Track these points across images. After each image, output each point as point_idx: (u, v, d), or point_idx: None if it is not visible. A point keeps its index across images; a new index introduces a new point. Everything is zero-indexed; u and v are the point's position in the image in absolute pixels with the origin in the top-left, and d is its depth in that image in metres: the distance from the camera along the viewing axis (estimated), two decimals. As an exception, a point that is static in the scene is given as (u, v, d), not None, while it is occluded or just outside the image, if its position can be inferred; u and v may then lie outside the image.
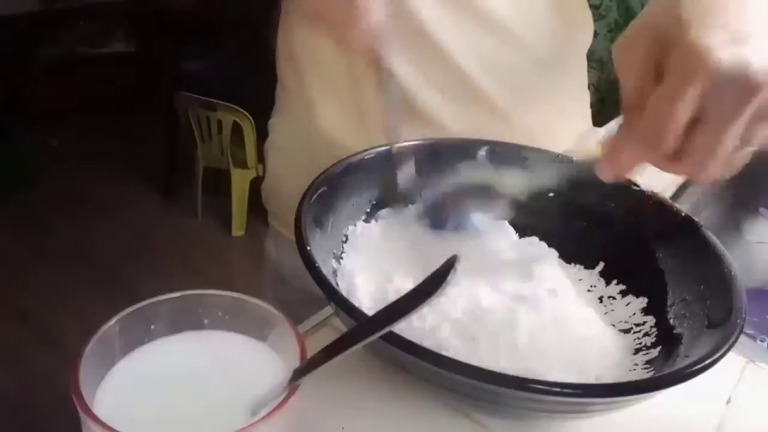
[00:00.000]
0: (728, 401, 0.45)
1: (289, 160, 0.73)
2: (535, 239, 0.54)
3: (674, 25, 0.36)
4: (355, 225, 0.51)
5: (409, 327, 0.41)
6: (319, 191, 0.46)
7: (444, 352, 0.34)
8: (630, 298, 0.49)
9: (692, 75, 0.34)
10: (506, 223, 0.54)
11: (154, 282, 2.15)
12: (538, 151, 0.56)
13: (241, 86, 2.27)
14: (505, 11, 0.61)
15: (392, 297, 0.43)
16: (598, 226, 0.53)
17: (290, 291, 0.69)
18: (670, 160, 0.37)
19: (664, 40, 0.37)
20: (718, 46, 0.34)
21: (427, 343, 0.37)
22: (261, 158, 0.96)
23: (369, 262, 0.48)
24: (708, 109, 0.35)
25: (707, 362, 0.34)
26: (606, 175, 0.41)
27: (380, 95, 0.63)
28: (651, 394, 0.34)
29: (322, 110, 0.66)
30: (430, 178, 0.55)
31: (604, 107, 2.30)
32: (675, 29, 0.36)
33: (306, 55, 0.67)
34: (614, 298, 0.49)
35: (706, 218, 0.52)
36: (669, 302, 0.45)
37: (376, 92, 0.63)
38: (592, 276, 0.51)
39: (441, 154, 0.55)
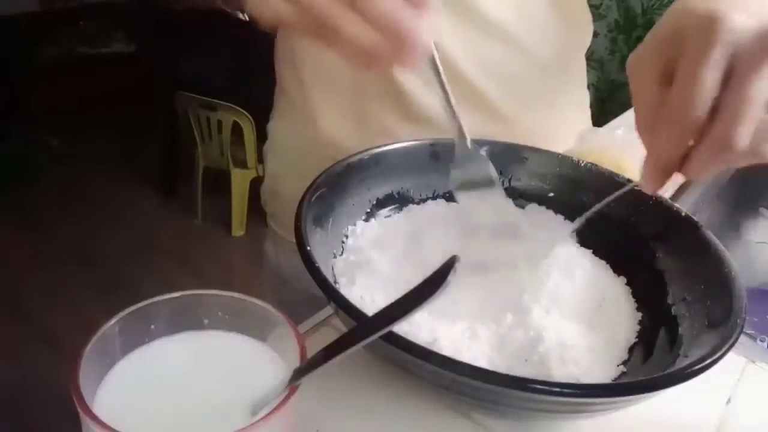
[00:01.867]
0: (728, 401, 0.45)
1: (289, 161, 0.73)
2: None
3: (683, 18, 0.36)
4: (355, 225, 0.51)
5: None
6: (319, 191, 0.46)
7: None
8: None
9: (712, 38, 0.34)
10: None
11: (154, 282, 2.15)
12: (538, 151, 0.56)
13: (241, 86, 2.27)
14: (504, 12, 0.61)
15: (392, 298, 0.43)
16: (598, 226, 0.53)
17: (290, 291, 0.69)
18: (702, 135, 0.36)
19: (675, 36, 0.37)
20: (729, 9, 0.34)
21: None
22: (261, 158, 0.96)
23: (370, 263, 0.48)
24: (733, 67, 0.34)
25: (707, 362, 0.34)
26: (651, 186, 0.40)
27: (380, 96, 0.63)
28: (651, 394, 0.34)
29: (321, 112, 0.66)
30: (430, 177, 0.55)
31: (604, 107, 2.31)
32: (684, 21, 0.36)
33: (305, 56, 0.66)
34: (614, 298, 0.49)
35: (706, 218, 0.52)
36: (669, 302, 0.45)
37: (376, 93, 0.63)
38: (592, 276, 0.51)
39: (440, 154, 0.55)
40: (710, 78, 0.35)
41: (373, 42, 0.34)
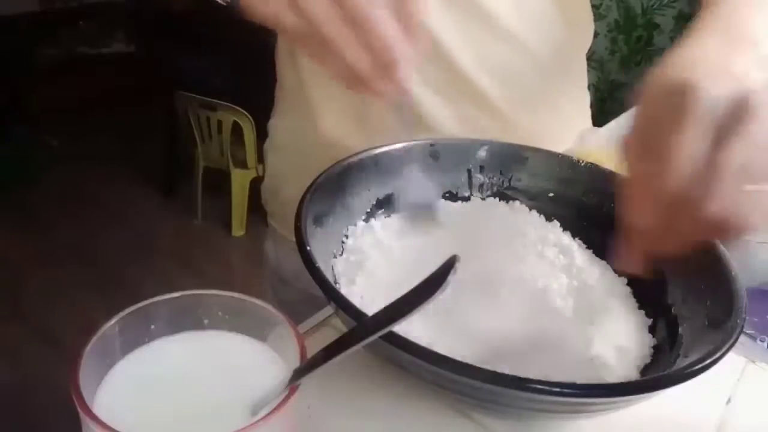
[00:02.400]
0: (728, 401, 0.45)
1: (289, 161, 0.73)
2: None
3: (661, 90, 0.36)
4: (355, 225, 0.51)
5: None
6: (319, 191, 0.46)
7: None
8: (630, 298, 0.48)
9: (683, 112, 0.34)
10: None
11: (154, 282, 2.15)
12: (538, 151, 0.56)
13: (241, 86, 2.27)
14: (505, 12, 0.61)
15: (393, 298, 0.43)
16: (598, 227, 0.53)
17: (290, 291, 0.70)
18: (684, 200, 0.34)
19: (654, 111, 0.37)
20: (703, 77, 0.34)
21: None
22: (261, 158, 0.96)
23: (370, 263, 0.48)
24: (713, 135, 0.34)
25: (707, 362, 0.34)
26: (628, 265, 0.39)
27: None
28: (651, 394, 0.34)
29: (322, 111, 0.66)
30: (430, 177, 0.55)
31: (604, 107, 2.31)
32: (660, 94, 0.36)
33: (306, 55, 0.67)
34: (614, 298, 0.49)
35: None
36: (669, 302, 0.45)
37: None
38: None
39: (440, 154, 0.55)
40: (684, 153, 0.34)
41: (360, 63, 0.35)
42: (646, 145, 0.36)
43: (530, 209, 0.55)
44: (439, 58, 0.61)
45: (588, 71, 0.77)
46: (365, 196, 0.52)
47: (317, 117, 0.66)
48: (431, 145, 0.54)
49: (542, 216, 0.54)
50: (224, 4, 0.40)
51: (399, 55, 0.37)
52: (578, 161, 0.55)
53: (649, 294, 0.47)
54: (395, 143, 0.52)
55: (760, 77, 0.35)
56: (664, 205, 0.35)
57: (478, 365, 0.33)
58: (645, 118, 0.37)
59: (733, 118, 0.33)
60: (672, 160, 0.34)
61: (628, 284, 0.49)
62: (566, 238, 0.52)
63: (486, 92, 0.63)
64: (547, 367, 0.40)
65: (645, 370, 0.42)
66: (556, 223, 0.54)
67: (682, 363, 0.37)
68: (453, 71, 0.61)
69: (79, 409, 0.27)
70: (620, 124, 0.82)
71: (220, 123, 2.38)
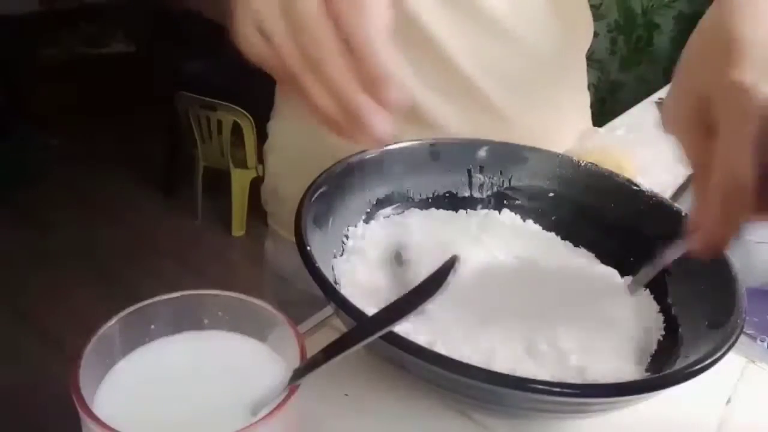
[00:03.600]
0: (728, 401, 0.45)
1: (289, 161, 0.72)
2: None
3: (711, 81, 0.35)
4: (355, 225, 0.51)
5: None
6: (319, 191, 0.46)
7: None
8: (630, 298, 0.48)
9: (746, 113, 0.33)
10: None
11: (154, 282, 2.15)
12: (538, 151, 0.56)
13: (241, 86, 2.26)
14: (504, 12, 0.61)
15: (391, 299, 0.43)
16: (598, 227, 0.53)
17: (290, 291, 0.69)
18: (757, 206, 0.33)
19: (705, 100, 0.35)
20: (758, 80, 0.33)
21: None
22: (261, 158, 0.96)
23: (368, 262, 0.48)
24: None
25: (707, 362, 0.34)
26: (702, 251, 0.37)
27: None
28: (651, 394, 0.34)
29: (322, 111, 0.66)
30: (429, 177, 0.55)
31: (604, 107, 2.31)
32: (712, 87, 0.35)
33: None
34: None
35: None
36: (669, 302, 0.45)
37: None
38: (592, 276, 0.51)
39: (440, 154, 0.55)
40: (748, 155, 0.32)
41: (333, 112, 0.34)
42: (698, 122, 0.35)
43: (526, 213, 0.55)
44: (439, 59, 0.61)
45: (588, 71, 0.77)
46: (365, 196, 0.52)
47: (317, 117, 0.66)
48: (431, 145, 0.54)
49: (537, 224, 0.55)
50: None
51: (364, 106, 0.33)
52: (578, 161, 0.55)
53: (649, 294, 0.47)
54: (395, 143, 0.52)
55: None
56: (733, 205, 0.34)
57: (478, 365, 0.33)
58: (693, 98, 0.36)
59: None
60: (744, 167, 0.33)
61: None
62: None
63: (486, 92, 0.63)
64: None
65: (645, 370, 0.42)
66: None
67: (682, 363, 0.37)
68: (452, 72, 0.61)
69: (79, 409, 0.27)
70: (620, 124, 0.82)
71: (220, 123, 2.38)
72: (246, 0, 0.35)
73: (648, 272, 0.46)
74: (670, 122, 0.38)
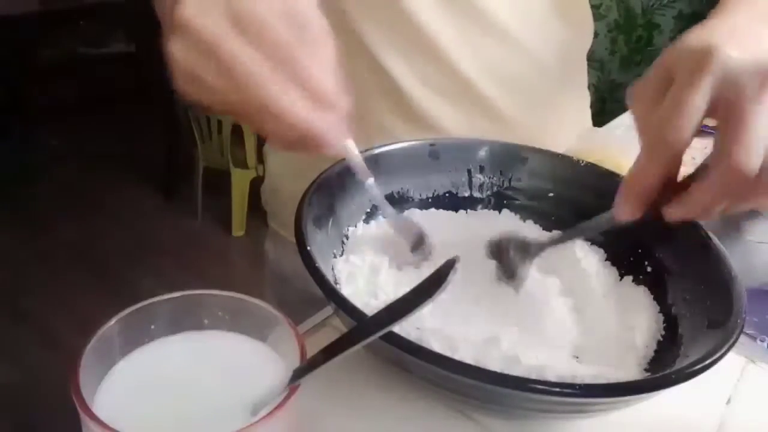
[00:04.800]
0: (728, 401, 0.45)
1: (289, 162, 0.72)
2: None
3: (679, 51, 0.37)
4: (355, 225, 0.51)
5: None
6: (319, 191, 0.46)
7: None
8: (630, 298, 0.48)
9: (702, 67, 0.34)
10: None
11: (154, 282, 2.15)
12: (538, 151, 0.56)
13: (241, 86, 2.26)
14: (504, 12, 0.61)
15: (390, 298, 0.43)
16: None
17: (290, 291, 0.69)
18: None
19: (671, 68, 0.37)
20: (724, 43, 0.34)
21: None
22: (261, 158, 0.96)
23: (368, 262, 0.48)
24: (729, 100, 0.34)
25: (707, 362, 0.34)
26: (624, 211, 0.39)
27: (379, 95, 0.63)
28: (651, 394, 0.34)
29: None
30: (430, 177, 0.55)
31: (604, 107, 2.31)
32: (679, 53, 0.36)
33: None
34: (614, 298, 0.49)
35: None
36: (669, 302, 0.45)
37: (375, 93, 0.63)
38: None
39: (440, 154, 0.55)
40: (695, 102, 0.34)
41: (293, 138, 0.34)
42: (658, 95, 0.37)
43: (526, 213, 0.55)
44: (439, 59, 0.61)
45: (588, 71, 0.77)
46: (365, 196, 0.52)
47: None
48: (431, 145, 0.54)
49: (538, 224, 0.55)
50: None
51: (315, 126, 0.33)
52: (578, 161, 0.55)
53: (649, 294, 0.47)
54: (395, 143, 0.52)
55: None
56: (666, 154, 0.36)
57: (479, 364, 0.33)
58: (661, 69, 0.37)
59: (761, 81, 0.33)
60: (679, 109, 0.34)
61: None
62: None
63: (486, 93, 0.63)
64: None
65: (645, 370, 0.42)
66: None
67: (682, 363, 0.37)
68: (452, 72, 0.61)
69: (79, 409, 0.27)
70: (620, 124, 0.82)
71: (220, 123, 2.38)
72: (172, 53, 0.34)
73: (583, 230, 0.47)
74: (633, 96, 0.39)
